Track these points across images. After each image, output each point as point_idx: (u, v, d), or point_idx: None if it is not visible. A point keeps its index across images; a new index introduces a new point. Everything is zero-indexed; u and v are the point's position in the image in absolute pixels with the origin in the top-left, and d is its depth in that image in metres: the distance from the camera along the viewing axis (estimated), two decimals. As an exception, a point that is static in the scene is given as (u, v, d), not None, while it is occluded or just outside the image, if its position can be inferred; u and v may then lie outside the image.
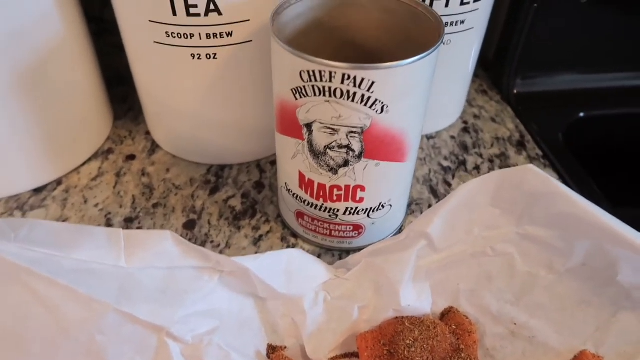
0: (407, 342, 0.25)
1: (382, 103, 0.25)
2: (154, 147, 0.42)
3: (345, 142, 0.27)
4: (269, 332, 0.27)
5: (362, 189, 0.30)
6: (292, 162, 0.30)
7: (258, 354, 0.26)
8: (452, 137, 0.44)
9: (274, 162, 0.41)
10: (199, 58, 0.33)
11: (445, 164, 0.41)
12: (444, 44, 0.38)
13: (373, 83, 0.24)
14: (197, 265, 0.24)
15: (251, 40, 0.33)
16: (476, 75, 0.51)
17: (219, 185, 0.39)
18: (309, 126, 0.27)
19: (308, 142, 0.28)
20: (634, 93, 0.49)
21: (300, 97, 0.26)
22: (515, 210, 0.25)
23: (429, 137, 0.44)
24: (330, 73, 0.24)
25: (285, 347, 0.27)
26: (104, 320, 0.22)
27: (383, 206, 0.31)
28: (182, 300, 0.24)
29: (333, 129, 0.27)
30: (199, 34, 0.32)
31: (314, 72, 0.25)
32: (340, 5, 0.31)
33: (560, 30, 0.46)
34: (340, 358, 0.27)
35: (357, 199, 0.30)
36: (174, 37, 0.32)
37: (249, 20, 0.32)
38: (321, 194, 0.30)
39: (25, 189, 0.38)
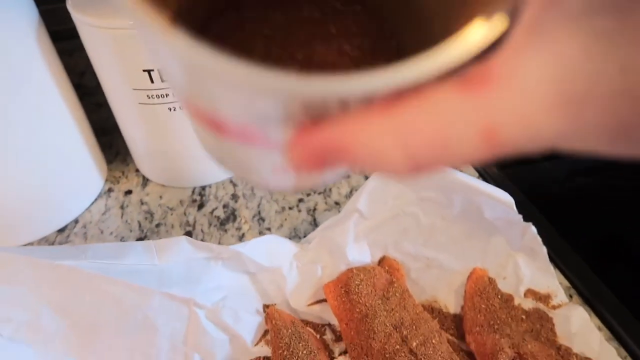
0: (356, 282, 0.36)
1: None
2: (146, 181, 0.53)
3: None
4: (262, 295, 0.38)
5: None
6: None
7: (258, 311, 0.37)
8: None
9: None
10: (174, 110, 0.44)
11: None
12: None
13: None
14: (205, 256, 0.35)
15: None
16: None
17: (203, 202, 0.50)
18: None
19: None
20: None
21: None
22: (411, 183, 0.38)
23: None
24: None
25: (275, 304, 0.38)
26: (151, 301, 0.33)
27: None
28: (199, 280, 0.35)
29: None
30: (172, 93, 0.43)
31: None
32: None
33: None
34: (314, 304, 0.38)
35: None
36: (154, 97, 0.43)
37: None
38: None
39: (52, 231, 0.48)
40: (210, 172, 0.51)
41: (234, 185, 0.51)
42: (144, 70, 0.41)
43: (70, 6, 0.41)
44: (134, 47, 0.40)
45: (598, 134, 0.10)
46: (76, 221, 0.49)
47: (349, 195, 0.49)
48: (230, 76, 0.11)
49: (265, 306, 0.38)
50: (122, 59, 0.41)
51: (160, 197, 0.51)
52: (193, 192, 0.51)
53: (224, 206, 0.49)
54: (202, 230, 0.47)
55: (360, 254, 0.39)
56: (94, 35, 0.41)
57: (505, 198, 0.35)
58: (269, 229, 0.46)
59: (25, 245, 0.46)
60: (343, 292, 0.37)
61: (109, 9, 0.40)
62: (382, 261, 0.39)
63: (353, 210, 0.38)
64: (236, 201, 0.49)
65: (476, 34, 0.10)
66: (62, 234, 0.47)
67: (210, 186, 0.51)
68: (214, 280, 0.36)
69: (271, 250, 0.38)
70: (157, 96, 0.43)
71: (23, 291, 0.32)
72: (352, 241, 0.38)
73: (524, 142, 0.10)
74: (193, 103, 0.14)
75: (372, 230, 0.39)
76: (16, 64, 0.39)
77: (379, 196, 0.38)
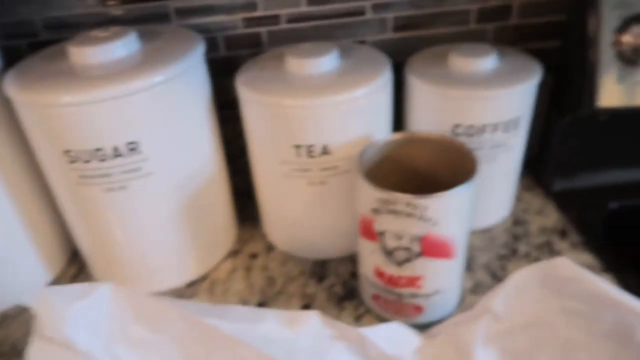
0: (484, 389, 0.34)
1: (434, 219, 0.37)
2: (271, 246, 0.55)
3: (407, 245, 0.39)
4: (381, 385, 0.37)
5: (421, 278, 0.41)
6: (370, 258, 0.42)
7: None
8: (505, 230, 0.54)
9: (363, 256, 0.53)
10: (312, 184, 0.47)
11: (502, 252, 0.52)
12: (491, 162, 0.50)
13: (427, 207, 0.36)
14: (332, 334, 0.35)
15: (349, 170, 0.46)
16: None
17: (323, 275, 0.50)
18: (382, 234, 0.39)
19: (381, 244, 0.40)
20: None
21: (376, 215, 0.39)
22: (555, 289, 0.35)
23: (485, 231, 0.54)
24: (397, 200, 0.37)
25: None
26: (278, 372, 0.33)
27: (437, 292, 0.42)
28: (323, 358, 0.35)
29: (399, 236, 0.39)
30: (314, 169, 0.46)
31: (386, 199, 0.37)
32: (405, 144, 0.44)
33: (588, 137, 0.56)
34: (434, 404, 0.36)
35: (417, 286, 0.41)
36: (297, 172, 0.46)
37: (349, 157, 0.45)
38: (390, 281, 0.42)
39: (182, 283, 0.51)
40: (334, 246, 0.52)
41: (354, 263, 0.51)
42: (294, 146, 0.44)
43: (238, 82, 0.47)
44: (289, 124, 0.44)
45: None
46: (205, 277, 0.52)
47: (473, 289, 0.47)
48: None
49: (383, 397, 0.37)
50: (276, 133, 0.45)
51: (283, 264, 0.52)
52: (314, 263, 0.52)
53: (343, 283, 0.49)
54: (320, 305, 0.47)
55: (487, 358, 0.37)
56: (255, 109, 0.45)
57: (666, 323, 0.32)
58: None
59: (157, 293, 0.50)
60: (468, 397, 0.35)
61: (268, 88, 0.45)
62: (512, 370, 0.37)
63: (486, 310, 0.36)
64: (356, 280, 0.50)
65: None
66: (191, 288, 0.50)
67: (331, 261, 0.52)
68: (334, 358, 0.35)
69: (395, 339, 0.37)
70: (301, 170, 0.46)
71: (165, 340, 0.34)
72: (481, 344, 0.36)
73: None
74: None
75: (504, 335, 0.37)
76: (190, 127, 0.45)
77: (518, 298, 0.36)
